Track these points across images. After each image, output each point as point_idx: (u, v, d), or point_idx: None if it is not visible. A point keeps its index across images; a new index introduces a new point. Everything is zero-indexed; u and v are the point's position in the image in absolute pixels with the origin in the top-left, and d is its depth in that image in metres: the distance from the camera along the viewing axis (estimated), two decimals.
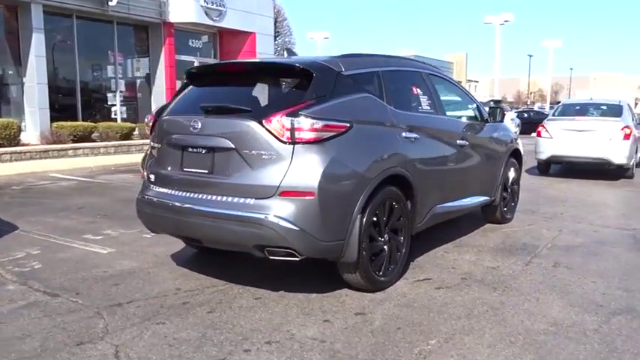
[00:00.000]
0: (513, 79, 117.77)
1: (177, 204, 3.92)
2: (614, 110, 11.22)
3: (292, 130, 3.53)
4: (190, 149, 3.96)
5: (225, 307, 3.80)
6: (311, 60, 4.03)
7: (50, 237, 5.73)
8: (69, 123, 14.00)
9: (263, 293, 4.06)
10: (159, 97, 16.83)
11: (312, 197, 3.53)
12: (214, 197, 3.76)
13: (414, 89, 4.82)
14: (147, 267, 4.71)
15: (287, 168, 3.55)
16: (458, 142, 5.16)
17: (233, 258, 4.95)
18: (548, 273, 4.66)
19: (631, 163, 10.58)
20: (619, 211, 7.63)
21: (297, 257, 3.63)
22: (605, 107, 11.75)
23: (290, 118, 3.55)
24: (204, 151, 3.88)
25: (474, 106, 5.89)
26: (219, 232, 3.72)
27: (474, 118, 5.80)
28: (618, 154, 10.26)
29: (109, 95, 16.52)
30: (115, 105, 16.50)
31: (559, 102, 23.26)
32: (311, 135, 3.55)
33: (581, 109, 11.93)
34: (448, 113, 5.28)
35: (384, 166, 3.98)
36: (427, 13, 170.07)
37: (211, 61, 18.96)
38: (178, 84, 17.07)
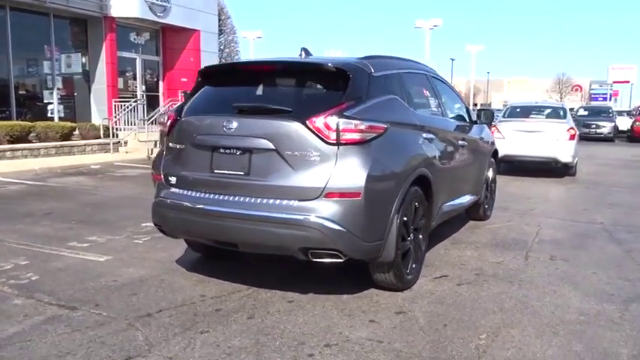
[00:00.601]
0: None
1: (208, 207, 3.78)
2: (559, 113, 11.99)
3: (338, 130, 3.51)
4: (222, 150, 3.83)
5: (263, 312, 3.71)
6: (344, 60, 4.02)
7: (32, 246, 5.33)
8: (5, 122, 13.04)
9: (293, 296, 4.00)
10: (99, 95, 16.04)
11: (358, 198, 3.52)
12: (252, 200, 3.65)
13: (425, 91, 4.93)
14: (156, 274, 4.50)
15: (332, 169, 3.52)
16: (459, 142, 5.33)
17: (241, 261, 4.84)
18: (550, 266, 4.91)
19: (575, 162, 11.34)
20: (580, 206, 8.15)
21: (341, 259, 3.61)
22: (550, 110, 12.53)
23: (336, 119, 3.52)
24: (238, 152, 3.76)
25: (464, 107, 6.10)
26: (261, 235, 3.62)
27: (464, 119, 6.00)
28: (565, 153, 10.96)
29: (46, 93, 15.52)
30: (52, 103, 15.52)
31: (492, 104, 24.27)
32: (356, 136, 3.54)
33: (528, 111, 12.64)
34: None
35: (414, 167, 4.05)
36: (358, 14, 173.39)
37: (154, 58, 18.32)
38: (120, 82, 16.37)
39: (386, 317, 3.66)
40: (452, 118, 5.55)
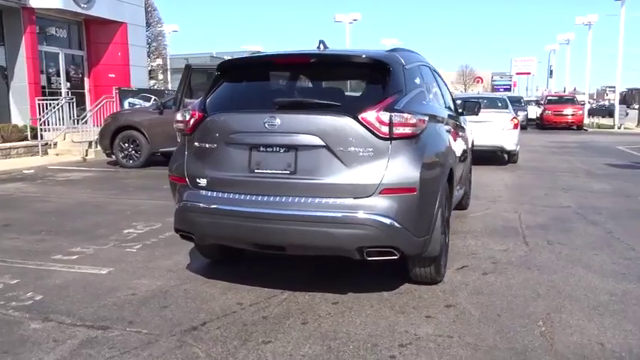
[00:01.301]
0: None
1: (252, 210, 3.56)
2: (503, 103, 12.61)
3: (391, 125, 3.43)
4: (262, 148, 3.61)
5: (314, 316, 3.56)
6: (379, 53, 3.92)
7: (11, 262, 4.79)
8: None
9: (334, 298, 3.88)
10: (20, 93, 14.73)
11: (413, 193, 3.46)
12: (301, 199, 3.49)
13: (434, 83, 4.95)
14: (175, 284, 4.19)
15: (386, 164, 3.44)
16: (460, 133, 5.42)
17: (257, 265, 4.64)
18: (553, 251, 5.13)
19: (517, 149, 11.99)
20: (539, 191, 8.60)
21: (396, 256, 3.54)
22: (494, 101, 13.13)
23: (388, 113, 3.44)
24: (282, 150, 3.57)
25: (451, 99, 6.21)
26: (313, 236, 3.47)
27: (455, 110, 6.12)
28: (510, 141, 11.56)
29: None
30: None
31: None
32: (408, 130, 3.48)
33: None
34: None
35: (449, 160, 4.06)
36: (277, 8, 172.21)
37: (78, 53, 17.12)
38: (43, 78, 15.17)
39: (439, 312, 3.64)
40: (449, 109, 5.63)
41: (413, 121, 3.49)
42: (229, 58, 4.29)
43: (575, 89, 58.75)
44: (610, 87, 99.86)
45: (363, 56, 3.78)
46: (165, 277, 4.35)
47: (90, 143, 13.56)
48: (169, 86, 28.87)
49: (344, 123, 3.46)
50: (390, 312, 3.64)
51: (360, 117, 3.44)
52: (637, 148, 16.72)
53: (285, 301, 3.83)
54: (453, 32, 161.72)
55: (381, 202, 3.41)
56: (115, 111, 13.76)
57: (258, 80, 4.01)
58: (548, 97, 31.99)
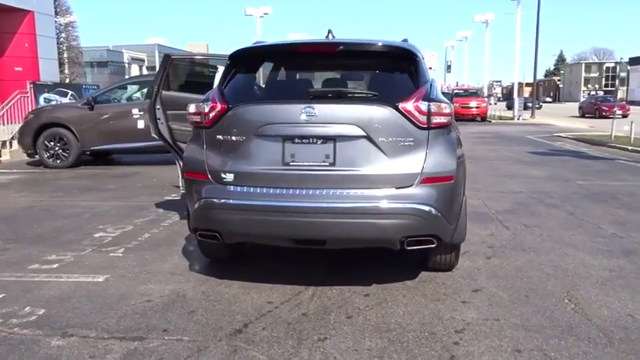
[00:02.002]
0: None
1: (289, 204, 3.42)
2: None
3: (429, 114, 3.45)
4: (298, 140, 3.48)
5: (355, 310, 3.51)
6: (405, 43, 3.90)
7: None
8: None
9: (362, 290, 3.85)
10: None
11: (451, 182, 3.51)
12: (342, 191, 3.40)
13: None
14: (188, 287, 3.94)
15: (425, 154, 3.45)
16: None
17: (261, 261, 4.49)
18: (534, 232, 5.44)
19: None
20: (487, 179, 9.05)
21: (434, 244, 3.57)
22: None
23: (426, 103, 3.45)
24: (320, 141, 3.46)
25: None
26: (357, 228, 3.40)
27: None
28: None
29: None
30: None
31: None
32: (444, 119, 3.51)
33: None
34: None
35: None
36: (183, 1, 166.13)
37: None
38: None
39: (471, 297, 3.72)
40: None
41: (448, 110, 3.53)
42: (244, 46, 4.07)
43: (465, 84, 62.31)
44: (497, 81, 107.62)
45: (393, 45, 3.76)
46: (173, 281, 4.07)
47: (3, 143, 12.34)
48: (88, 80, 26.88)
49: (384, 113, 3.42)
50: (424, 300, 3.67)
51: (400, 106, 3.42)
52: (544, 137, 18.18)
53: (315, 297, 3.73)
54: (357, 27, 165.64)
55: (423, 192, 3.43)
56: (33, 108, 12.62)
57: (279, 69, 3.85)
58: (455, 91, 33.80)
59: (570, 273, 4.20)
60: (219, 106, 3.61)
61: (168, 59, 5.36)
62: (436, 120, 3.48)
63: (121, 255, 4.76)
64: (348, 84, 3.65)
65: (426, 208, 3.40)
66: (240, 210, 3.51)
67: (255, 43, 4.33)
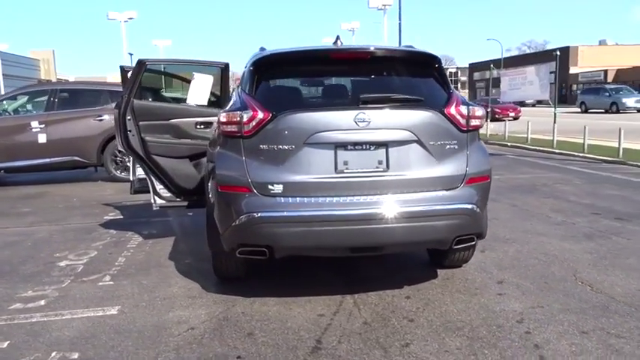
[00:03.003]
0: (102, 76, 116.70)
1: (347, 212, 3.36)
2: None
3: (468, 117, 3.61)
4: (351, 147, 3.42)
5: (411, 313, 3.56)
6: (429, 51, 3.99)
7: None
8: None
9: (400, 293, 3.91)
10: None
11: (487, 181, 3.71)
12: (399, 196, 3.43)
13: None
14: (223, 309, 3.68)
15: (467, 155, 3.61)
16: None
17: (270, 273, 4.35)
18: (498, 225, 5.87)
19: None
20: None
21: (474, 242, 3.75)
22: None
23: (466, 107, 3.61)
24: (373, 147, 3.44)
25: None
26: (415, 231, 3.45)
27: None
28: None
29: None
30: None
31: None
32: (478, 122, 3.69)
33: None
34: None
35: None
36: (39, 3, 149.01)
37: None
38: None
39: (502, 289, 3.95)
40: None
41: (480, 113, 3.72)
42: (271, 52, 3.88)
43: None
44: None
45: (420, 52, 3.86)
46: (200, 305, 3.77)
47: None
48: None
49: (432, 117, 3.52)
50: (465, 296, 3.83)
51: (445, 111, 3.54)
52: None
53: (360, 304, 3.71)
54: (224, 33, 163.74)
55: (468, 192, 3.58)
56: None
57: (312, 76, 3.76)
58: None
59: (560, 258, 4.64)
60: (260, 115, 3.43)
61: (142, 65, 4.92)
62: (473, 123, 3.65)
63: (112, 283, 4.28)
64: (389, 89, 3.66)
65: (473, 207, 3.56)
66: (295, 222, 3.37)
67: (261, 50, 4.18)
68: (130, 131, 4.99)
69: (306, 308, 3.67)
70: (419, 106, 3.56)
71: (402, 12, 32.96)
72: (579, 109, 36.09)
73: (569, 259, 4.62)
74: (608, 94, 35.03)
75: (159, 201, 5.18)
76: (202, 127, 5.18)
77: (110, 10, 36.49)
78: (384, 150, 3.46)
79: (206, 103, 5.27)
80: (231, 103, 3.89)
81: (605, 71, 53.20)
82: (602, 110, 33.97)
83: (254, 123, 3.44)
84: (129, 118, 4.97)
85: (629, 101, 32.96)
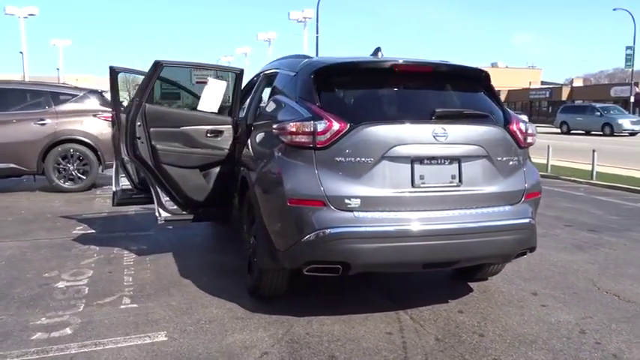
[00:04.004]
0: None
1: (426, 227, 3.30)
2: None
3: (526, 134, 3.72)
4: (427, 161, 3.38)
5: (473, 328, 3.57)
6: (478, 67, 4.04)
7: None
8: None
9: (452, 307, 3.91)
10: None
11: (539, 196, 3.83)
12: (471, 211, 3.44)
13: None
14: (282, 330, 3.47)
15: (524, 171, 3.71)
16: None
17: (299, 291, 4.18)
18: None
19: None
20: None
21: (526, 254, 3.84)
22: None
23: (524, 124, 3.71)
24: (447, 162, 3.42)
25: None
26: (488, 246, 3.49)
27: None
28: None
29: None
30: None
31: None
32: (531, 140, 3.80)
33: None
34: None
35: None
36: None
37: None
38: None
39: (541, 300, 4.09)
40: None
41: (532, 130, 3.84)
42: (334, 60, 3.72)
43: None
44: None
45: (476, 68, 3.90)
46: (254, 327, 3.53)
47: None
48: None
49: (498, 133, 3.58)
50: (514, 309, 3.91)
51: (509, 127, 3.62)
52: None
53: (419, 320, 3.66)
54: (122, 36, 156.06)
55: (527, 207, 3.67)
56: None
57: (377, 87, 3.66)
58: None
59: (570, 269, 4.89)
60: (336, 125, 3.29)
61: (158, 67, 4.53)
62: (529, 140, 3.77)
63: (136, 306, 3.88)
64: (449, 104, 3.69)
65: (532, 221, 3.66)
66: (374, 238, 3.26)
67: (305, 57, 4.04)
68: (139, 138, 4.58)
69: (368, 326, 3.55)
70: (487, 121, 3.61)
71: (323, 26, 33.49)
72: (559, 130, 32.14)
73: (579, 269, 4.88)
74: (599, 113, 30.54)
75: (164, 214, 4.78)
76: (212, 135, 4.88)
77: (8, 5, 33.59)
78: (457, 165, 3.46)
79: (217, 111, 4.97)
80: (284, 111, 3.70)
81: (499, 91, 57.51)
82: (588, 131, 30.42)
83: (329, 134, 3.29)
84: (139, 124, 4.56)
85: (625, 122, 29.33)
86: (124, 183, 5.73)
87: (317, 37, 35.22)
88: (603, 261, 5.16)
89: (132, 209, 7.15)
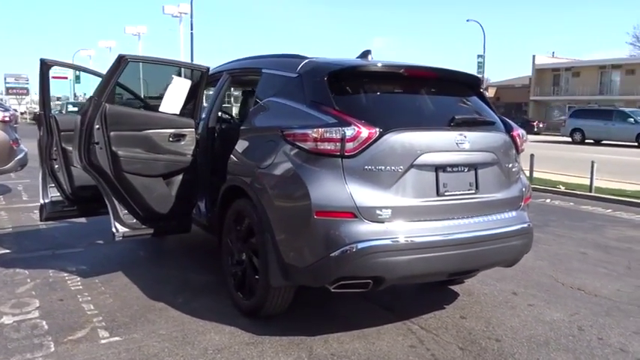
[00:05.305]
0: None
1: (452, 236, 3.24)
2: None
3: (522, 141, 3.83)
4: (449, 169, 3.31)
5: (487, 333, 3.61)
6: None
7: None
8: None
9: (452, 313, 3.92)
10: None
11: (529, 201, 3.97)
12: (488, 217, 3.46)
13: None
14: (309, 352, 3.21)
15: (520, 177, 3.82)
16: None
17: (312, 306, 3.97)
18: None
19: None
20: None
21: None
22: None
23: (521, 131, 3.82)
24: (466, 169, 3.39)
25: None
26: (503, 252, 3.53)
27: None
28: None
29: None
30: None
31: None
32: (524, 146, 3.93)
33: None
34: None
35: None
36: None
37: None
38: None
39: (524, 300, 4.25)
40: None
41: (526, 138, 3.97)
42: (347, 63, 3.46)
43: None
44: None
45: (473, 75, 3.93)
46: (273, 353, 3.22)
47: None
48: None
49: (505, 139, 3.66)
50: (508, 310, 4.02)
51: (512, 133, 3.70)
52: None
53: (432, 330, 3.62)
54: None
55: (525, 212, 3.79)
56: None
57: (392, 92, 3.52)
58: None
59: (527, 267, 5.14)
60: (365, 132, 3.10)
61: (122, 61, 3.92)
62: (523, 146, 3.89)
63: (120, 339, 3.35)
64: (459, 111, 3.66)
65: (531, 225, 3.78)
66: (407, 250, 3.13)
67: (303, 57, 3.79)
68: (97, 143, 3.96)
69: (387, 341, 3.42)
70: (496, 128, 3.66)
71: (198, 22, 32.47)
72: (569, 139, 27.11)
73: (534, 267, 5.17)
74: (632, 119, 24.83)
75: (121, 229, 4.20)
76: (175, 139, 4.40)
77: None
78: (474, 172, 3.46)
79: (178, 112, 4.47)
80: (292, 116, 3.42)
81: None
82: (614, 142, 24.95)
83: (359, 141, 3.10)
84: (97, 127, 3.94)
85: None
86: (54, 195, 4.96)
87: (191, 33, 34.09)
88: (548, 257, 5.54)
89: (41, 224, 6.24)
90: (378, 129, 3.14)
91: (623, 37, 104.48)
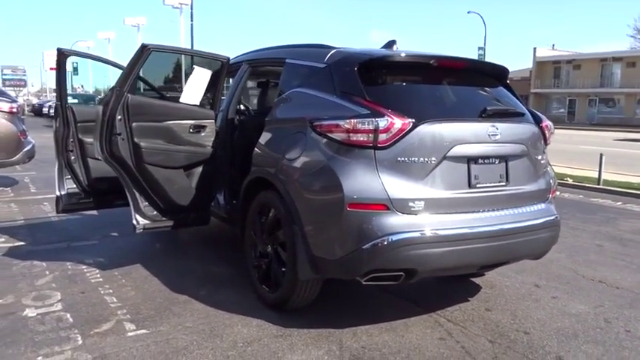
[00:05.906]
0: None
1: (485, 229, 3.21)
2: None
3: (550, 132, 3.80)
4: (481, 160, 3.28)
5: (516, 325, 3.59)
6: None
7: None
8: None
9: (477, 306, 3.90)
10: None
11: (556, 193, 3.94)
12: (519, 209, 3.44)
13: None
14: (339, 345, 3.19)
15: (547, 169, 3.79)
16: None
17: (333, 299, 3.95)
18: None
19: None
20: None
21: None
22: None
23: (550, 123, 3.78)
24: (497, 161, 3.36)
25: None
26: (536, 244, 3.53)
27: None
28: None
29: None
30: None
31: None
32: (551, 138, 3.90)
33: None
34: None
35: None
36: None
37: None
38: None
39: (547, 293, 4.24)
40: None
41: (553, 130, 3.93)
42: (378, 53, 3.41)
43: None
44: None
45: (501, 65, 3.88)
46: (302, 346, 3.19)
47: None
48: None
49: (535, 131, 3.62)
50: (532, 303, 4.00)
51: (542, 125, 3.67)
52: None
53: (459, 322, 3.59)
54: None
55: (552, 204, 3.76)
56: None
57: (423, 82, 3.47)
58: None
59: (546, 259, 5.07)
60: (399, 123, 3.07)
61: (145, 51, 3.86)
62: (550, 138, 3.86)
63: (148, 332, 3.32)
64: (491, 102, 3.62)
65: (558, 218, 3.76)
66: (440, 242, 3.10)
67: (322, 46, 3.75)
68: (119, 134, 3.91)
69: (416, 333, 3.40)
70: (526, 119, 3.62)
71: (198, 14, 32.28)
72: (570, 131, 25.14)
73: (554, 260, 5.10)
74: None
75: (142, 221, 4.16)
76: (195, 131, 4.35)
77: None
78: (504, 164, 3.43)
79: (198, 103, 4.42)
80: (322, 106, 3.38)
81: None
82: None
83: (392, 132, 3.06)
84: (119, 117, 3.89)
85: None
86: (71, 186, 4.92)
87: (192, 24, 33.87)
88: (566, 249, 5.51)
89: (53, 216, 6.22)
90: (411, 120, 3.10)
91: (623, 29, 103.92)
